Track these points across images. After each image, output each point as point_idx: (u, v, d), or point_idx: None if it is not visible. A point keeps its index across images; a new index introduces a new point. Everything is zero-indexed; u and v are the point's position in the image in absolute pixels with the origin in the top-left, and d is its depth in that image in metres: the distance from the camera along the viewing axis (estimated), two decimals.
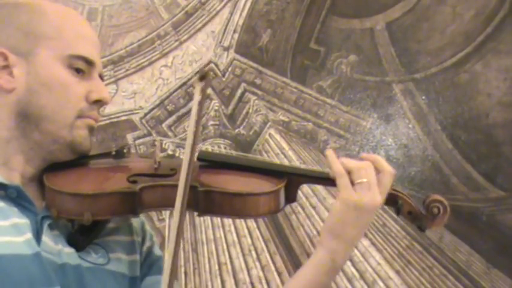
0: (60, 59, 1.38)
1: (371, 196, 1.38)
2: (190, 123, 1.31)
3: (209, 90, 3.09)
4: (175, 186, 1.28)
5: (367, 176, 1.38)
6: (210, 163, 1.45)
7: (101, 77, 1.44)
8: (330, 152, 1.43)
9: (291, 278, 1.45)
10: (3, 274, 1.25)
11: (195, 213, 1.38)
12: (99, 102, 1.41)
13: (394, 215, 2.76)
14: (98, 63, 1.43)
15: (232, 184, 1.38)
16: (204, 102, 1.37)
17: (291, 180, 1.43)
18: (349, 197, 1.37)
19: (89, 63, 1.40)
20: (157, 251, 1.51)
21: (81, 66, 1.39)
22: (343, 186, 1.38)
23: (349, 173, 1.39)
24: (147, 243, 1.50)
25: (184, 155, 1.28)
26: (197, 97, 1.32)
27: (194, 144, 1.30)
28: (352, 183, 1.38)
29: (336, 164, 1.40)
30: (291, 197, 1.44)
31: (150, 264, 1.48)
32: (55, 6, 1.45)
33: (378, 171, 1.41)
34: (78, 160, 1.40)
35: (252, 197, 1.37)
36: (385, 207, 2.92)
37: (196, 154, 1.40)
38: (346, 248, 1.40)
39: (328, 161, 1.42)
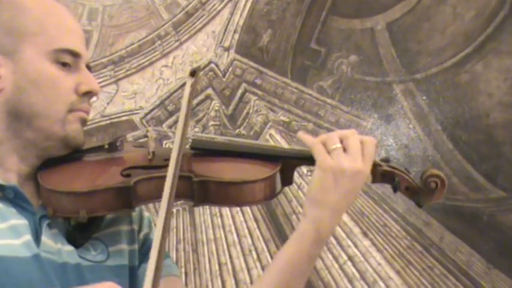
0: (46, 55, 1.36)
1: (349, 160, 1.35)
2: (180, 119, 1.30)
3: (210, 90, 3.09)
4: None
5: (344, 142, 1.36)
6: (203, 151, 1.43)
7: (89, 67, 1.42)
8: (300, 133, 1.43)
9: (276, 253, 1.42)
10: (4, 275, 1.25)
11: (191, 203, 1.36)
12: (89, 94, 1.39)
13: (395, 215, 2.77)
14: (84, 54, 1.41)
15: (227, 172, 1.37)
16: (193, 97, 1.34)
17: (286, 163, 1.41)
18: (325, 162, 1.35)
19: (75, 55, 1.38)
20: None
21: (67, 60, 1.37)
22: (318, 153, 1.37)
23: (324, 144, 1.38)
24: (145, 230, 1.48)
25: (173, 148, 1.25)
26: (187, 92, 1.30)
27: (184, 132, 1.28)
28: (329, 152, 1.36)
29: (307, 137, 1.40)
30: (287, 180, 1.42)
31: (146, 250, 1.45)
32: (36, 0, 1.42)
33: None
34: (72, 155, 1.39)
35: (248, 185, 1.35)
36: (385, 206, 2.91)
37: (188, 145, 1.40)
38: (330, 215, 1.36)
39: (300, 139, 1.41)
